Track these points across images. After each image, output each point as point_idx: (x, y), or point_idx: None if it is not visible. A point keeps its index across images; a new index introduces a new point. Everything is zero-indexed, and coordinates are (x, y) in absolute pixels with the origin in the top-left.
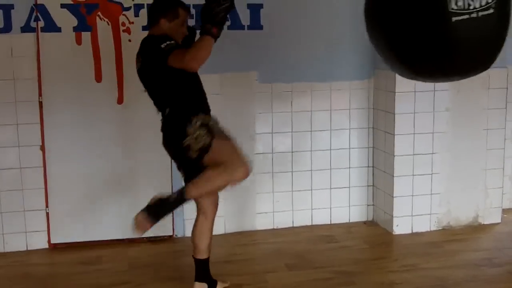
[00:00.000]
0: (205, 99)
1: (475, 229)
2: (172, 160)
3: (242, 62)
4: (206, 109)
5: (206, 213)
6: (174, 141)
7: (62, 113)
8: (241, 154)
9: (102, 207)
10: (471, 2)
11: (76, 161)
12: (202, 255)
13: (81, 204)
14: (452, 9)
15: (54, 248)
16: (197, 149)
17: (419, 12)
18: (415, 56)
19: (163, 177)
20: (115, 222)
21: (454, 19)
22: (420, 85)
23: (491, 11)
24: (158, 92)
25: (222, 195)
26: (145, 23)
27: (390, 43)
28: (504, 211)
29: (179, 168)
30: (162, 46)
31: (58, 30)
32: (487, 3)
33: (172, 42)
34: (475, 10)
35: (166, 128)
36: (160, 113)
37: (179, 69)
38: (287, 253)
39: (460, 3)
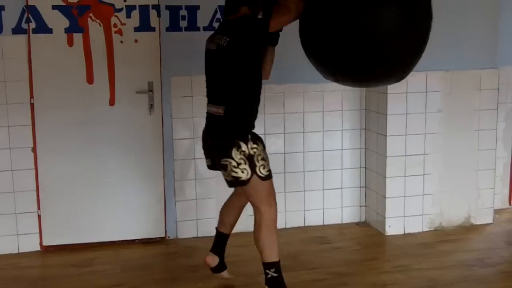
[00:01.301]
0: (257, 108)
1: (467, 229)
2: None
3: None
4: (254, 121)
5: (235, 192)
6: (215, 149)
7: (54, 115)
8: (273, 192)
9: (94, 209)
10: None
11: (68, 162)
12: (226, 230)
13: (73, 206)
14: None
15: (46, 250)
16: (233, 176)
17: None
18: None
19: (156, 178)
20: (107, 224)
21: None
22: (412, 86)
23: None
24: (221, 81)
25: (215, 196)
26: (137, 24)
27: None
28: (496, 211)
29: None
30: (259, 16)
31: (50, 31)
32: None
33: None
34: None
35: (214, 130)
36: (209, 104)
37: (256, 68)
38: (280, 255)
39: None
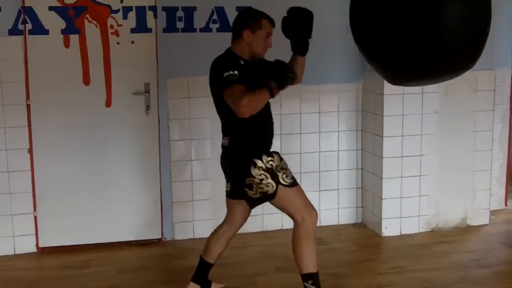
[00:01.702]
0: (271, 132)
1: (464, 230)
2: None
3: None
4: (269, 145)
5: (232, 223)
6: (235, 173)
7: (50, 116)
8: (305, 200)
9: (90, 210)
10: None
11: (65, 164)
12: (211, 260)
13: (70, 207)
14: None
15: (42, 252)
16: (260, 192)
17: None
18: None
19: (152, 179)
20: (104, 226)
21: None
22: (408, 87)
23: None
24: (220, 115)
25: (212, 197)
26: (133, 25)
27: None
28: (492, 212)
29: (231, 182)
30: (225, 74)
31: (46, 32)
32: None
33: (235, 73)
34: None
35: (227, 159)
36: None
37: None
38: (277, 256)
39: None
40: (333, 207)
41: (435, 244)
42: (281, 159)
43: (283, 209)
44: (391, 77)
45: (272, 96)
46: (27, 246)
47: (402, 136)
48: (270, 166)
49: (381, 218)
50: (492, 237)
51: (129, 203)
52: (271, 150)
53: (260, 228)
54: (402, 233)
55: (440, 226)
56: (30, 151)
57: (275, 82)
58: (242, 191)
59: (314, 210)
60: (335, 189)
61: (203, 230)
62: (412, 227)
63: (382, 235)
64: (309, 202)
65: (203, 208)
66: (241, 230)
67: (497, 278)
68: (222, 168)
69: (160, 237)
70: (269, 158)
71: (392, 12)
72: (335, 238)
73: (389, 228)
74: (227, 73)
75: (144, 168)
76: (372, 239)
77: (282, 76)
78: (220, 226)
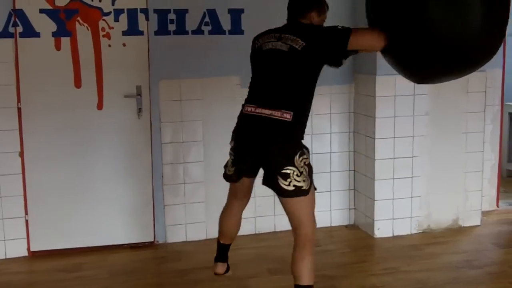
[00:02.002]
0: None
1: (455, 231)
2: (246, 153)
3: (223, 67)
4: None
5: (240, 198)
6: (275, 156)
7: (41, 119)
8: (314, 211)
9: (82, 214)
10: None
11: (56, 167)
12: (229, 241)
13: (61, 211)
14: None
15: (34, 256)
16: (294, 185)
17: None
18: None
19: (144, 182)
20: (95, 229)
21: None
22: (400, 89)
23: None
24: (290, 86)
25: (204, 200)
26: (125, 28)
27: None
28: (484, 213)
29: (248, 161)
30: (339, 27)
31: (37, 35)
32: None
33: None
34: None
35: (278, 135)
36: (261, 107)
37: (317, 78)
38: (269, 258)
39: None
40: (326, 209)
41: (427, 245)
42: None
43: (296, 210)
44: (418, 77)
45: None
46: (19, 250)
47: (394, 137)
48: (309, 162)
49: (373, 220)
50: (483, 238)
51: (121, 206)
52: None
53: (252, 230)
54: (395, 234)
55: (432, 227)
56: (21, 154)
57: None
58: (269, 177)
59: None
60: (328, 191)
61: (196, 233)
62: (404, 228)
63: (375, 236)
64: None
65: (195, 211)
66: None
67: (489, 278)
68: (244, 144)
69: (152, 240)
70: (307, 156)
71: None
72: (328, 239)
73: (382, 230)
74: (339, 26)
75: (136, 170)
76: (364, 241)
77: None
78: (229, 207)
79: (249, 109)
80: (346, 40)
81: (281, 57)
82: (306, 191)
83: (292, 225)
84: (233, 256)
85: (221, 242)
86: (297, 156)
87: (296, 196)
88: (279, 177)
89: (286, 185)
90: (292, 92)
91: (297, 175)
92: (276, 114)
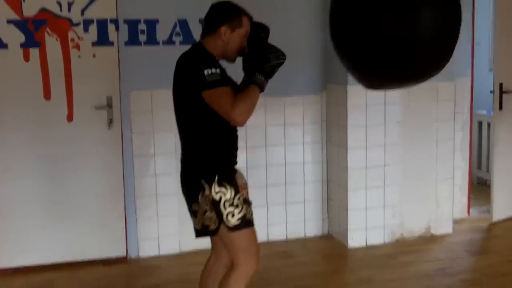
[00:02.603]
0: (234, 148)
1: (428, 240)
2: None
3: None
4: (232, 164)
5: (218, 254)
6: (186, 195)
7: (10, 131)
8: (254, 245)
9: (52, 228)
10: None
11: (25, 180)
12: None
13: (30, 225)
14: None
15: (2, 273)
16: (202, 224)
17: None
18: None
19: (116, 195)
20: (66, 244)
21: None
22: (371, 98)
23: None
24: (181, 122)
25: (177, 213)
26: (95, 38)
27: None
28: (455, 221)
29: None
30: (205, 72)
31: (5, 46)
32: None
33: (218, 71)
34: None
35: (181, 174)
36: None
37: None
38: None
39: None
40: (300, 219)
41: (401, 254)
42: (236, 192)
43: (226, 246)
44: (368, 82)
45: (263, 90)
46: None
47: (366, 146)
48: (217, 199)
49: (347, 229)
50: (456, 246)
51: (92, 219)
52: (236, 173)
53: None
54: (368, 243)
55: (404, 236)
56: None
57: (263, 74)
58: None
59: (258, 261)
60: (301, 201)
61: (169, 246)
62: (378, 237)
63: (349, 246)
64: (256, 248)
65: (168, 224)
66: (207, 246)
67: (462, 286)
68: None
69: (125, 254)
70: (220, 189)
71: (370, 18)
72: (302, 250)
73: (355, 239)
74: (209, 71)
75: (107, 183)
76: (338, 251)
77: (267, 64)
78: (208, 260)
79: None
80: (201, 90)
81: (173, 88)
82: (213, 232)
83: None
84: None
85: None
86: (201, 193)
87: (206, 235)
88: (192, 216)
89: (196, 224)
90: (184, 129)
91: (201, 213)
92: (183, 152)
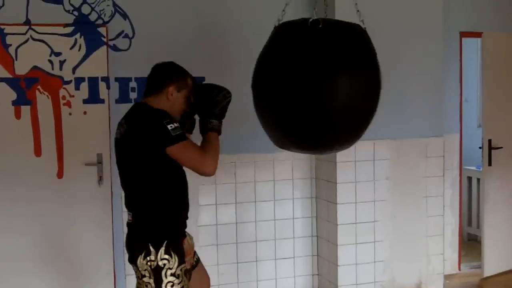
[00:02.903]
0: (185, 208)
1: None
2: None
3: None
4: (182, 226)
5: None
6: (129, 252)
7: (0, 188)
8: None
9: (41, 286)
10: None
11: (14, 237)
12: None
13: (19, 283)
14: None
15: None
16: (136, 287)
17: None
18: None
19: (105, 251)
20: None
21: None
22: (360, 154)
23: None
24: (127, 183)
25: None
26: (86, 96)
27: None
28: (446, 277)
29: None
30: (169, 127)
31: None
32: None
33: (178, 126)
34: None
35: (126, 240)
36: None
37: (171, 163)
38: None
39: None
40: (290, 276)
41: None
42: (180, 263)
43: None
44: (277, 141)
45: (220, 133)
46: None
47: (356, 202)
48: (161, 266)
49: (337, 286)
50: None
51: (81, 276)
52: (185, 238)
53: None
54: None
55: None
56: None
57: (216, 118)
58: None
59: None
60: (291, 257)
61: None
62: None
63: None
64: None
65: None
66: None
67: None
68: None
69: None
70: (166, 256)
71: (288, 84)
72: None
73: None
74: (172, 126)
75: (97, 240)
76: None
77: (218, 107)
78: None
79: None
80: (166, 145)
81: (117, 146)
82: None
83: None
84: None
85: None
86: (141, 256)
87: None
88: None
89: (136, 285)
90: (131, 190)
91: (138, 277)
92: (128, 217)
